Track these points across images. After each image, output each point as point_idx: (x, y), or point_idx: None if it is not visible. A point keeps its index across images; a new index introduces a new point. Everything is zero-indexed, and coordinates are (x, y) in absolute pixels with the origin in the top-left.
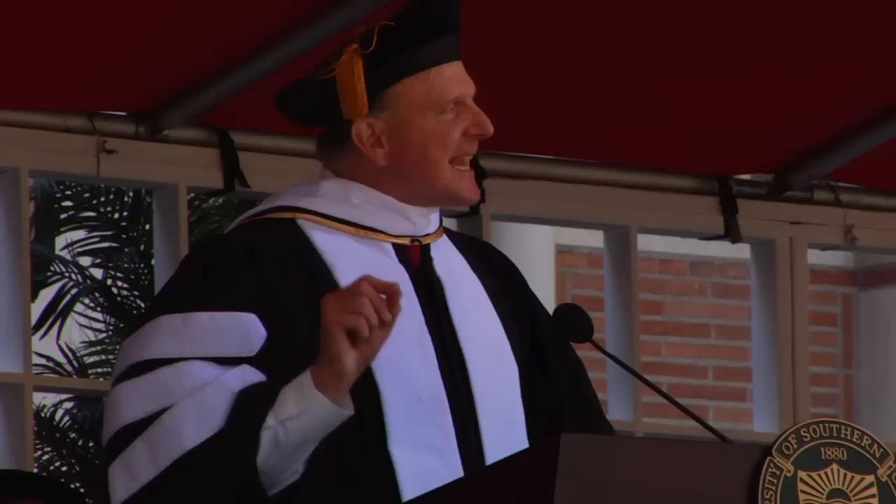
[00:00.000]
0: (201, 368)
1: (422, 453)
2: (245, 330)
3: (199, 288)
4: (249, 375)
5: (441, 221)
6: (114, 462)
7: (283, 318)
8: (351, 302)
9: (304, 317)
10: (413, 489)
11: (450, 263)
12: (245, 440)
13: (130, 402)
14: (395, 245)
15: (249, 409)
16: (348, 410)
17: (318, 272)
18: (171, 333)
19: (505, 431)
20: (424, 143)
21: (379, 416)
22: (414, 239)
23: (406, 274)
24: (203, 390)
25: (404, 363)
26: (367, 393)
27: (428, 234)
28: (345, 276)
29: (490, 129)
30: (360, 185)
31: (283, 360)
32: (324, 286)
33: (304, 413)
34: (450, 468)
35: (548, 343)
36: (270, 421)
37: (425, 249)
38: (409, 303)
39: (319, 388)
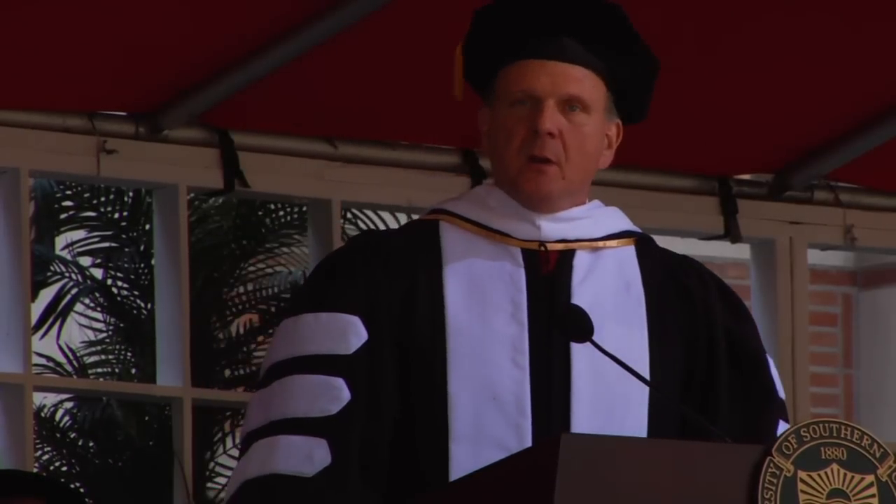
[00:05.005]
0: (299, 382)
1: (487, 451)
2: (344, 330)
3: (318, 290)
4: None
5: (631, 231)
6: (238, 461)
7: (379, 318)
8: None
9: (393, 308)
10: None
11: (600, 274)
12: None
13: (252, 412)
14: (525, 250)
15: None
16: None
17: (429, 266)
18: (285, 336)
19: None
20: (495, 133)
21: (443, 413)
22: (542, 244)
23: (523, 277)
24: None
25: (486, 362)
26: (435, 389)
27: (567, 241)
28: (453, 271)
29: (542, 125)
30: (498, 190)
31: (377, 361)
32: (424, 279)
33: None
34: None
35: (720, 364)
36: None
37: (566, 257)
38: (515, 306)
39: None
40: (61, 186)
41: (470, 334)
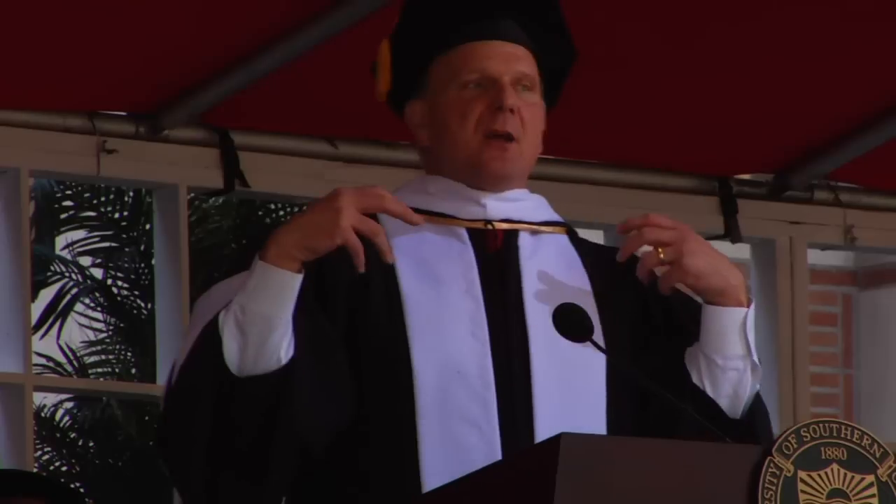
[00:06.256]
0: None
1: (454, 424)
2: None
3: (228, 268)
4: None
5: (561, 221)
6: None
7: (317, 281)
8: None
9: (342, 288)
10: (437, 458)
11: (545, 255)
12: (209, 328)
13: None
14: (471, 230)
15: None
16: (293, 273)
17: (375, 252)
18: (199, 309)
19: (569, 416)
20: (445, 115)
21: (409, 388)
22: (487, 222)
23: (473, 255)
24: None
25: (447, 336)
26: (399, 363)
27: (511, 220)
28: (401, 253)
29: (506, 100)
30: (437, 177)
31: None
32: (375, 262)
33: (252, 285)
34: (486, 441)
35: (660, 334)
36: (232, 305)
37: (511, 236)
38: (468, 282)
39: (261, 256)
40: (61, 186)
41: (428, 310)
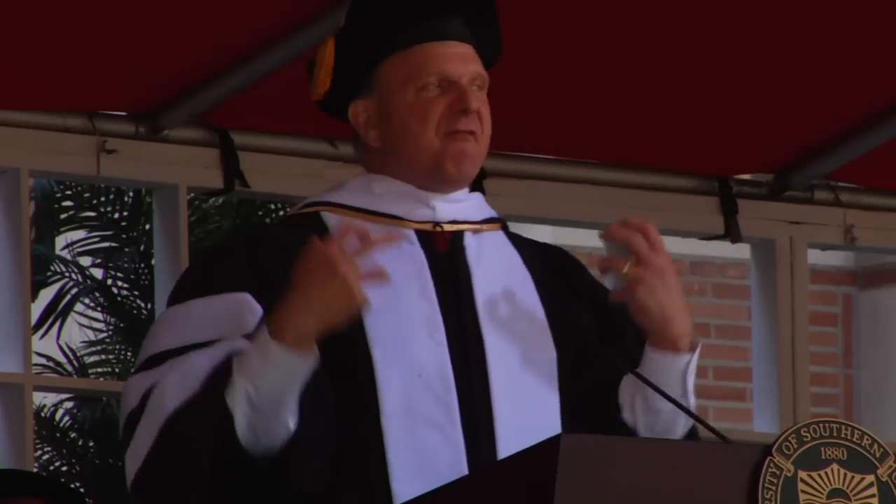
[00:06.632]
0: (202, 355)
1: (418, 427)
2: (238, 310)
3: (201, 277)
4: (239, 344)
5: (497, 217)
6: (126, 451)
7: (271, 293)
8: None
9: None
10: (405, 461)
11: (489, 253)
12: (214, 400)
13: (137, 391)
14: (419, 231)
15: (221, 370)
16: (311, 355)
17: None
18: (173, 324)
19: (526, 415)
20: (404, 117)
21: (372, 390)
22: (436, 224)
23: (424, 257)
24: (190, 357)
25: (406, 340)
26: (361, 366)
27: (457, 222)
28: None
29: (471, 103)
30: (383, 176)
31: None
32: None
33: (266, 368)
34: (450, 444)
35: (607, 325)
36: (239, 381)
37: (457, 237)
38: (422, 284)
39: (277, 338)
40: (61, 186)
41: (385, 313)
